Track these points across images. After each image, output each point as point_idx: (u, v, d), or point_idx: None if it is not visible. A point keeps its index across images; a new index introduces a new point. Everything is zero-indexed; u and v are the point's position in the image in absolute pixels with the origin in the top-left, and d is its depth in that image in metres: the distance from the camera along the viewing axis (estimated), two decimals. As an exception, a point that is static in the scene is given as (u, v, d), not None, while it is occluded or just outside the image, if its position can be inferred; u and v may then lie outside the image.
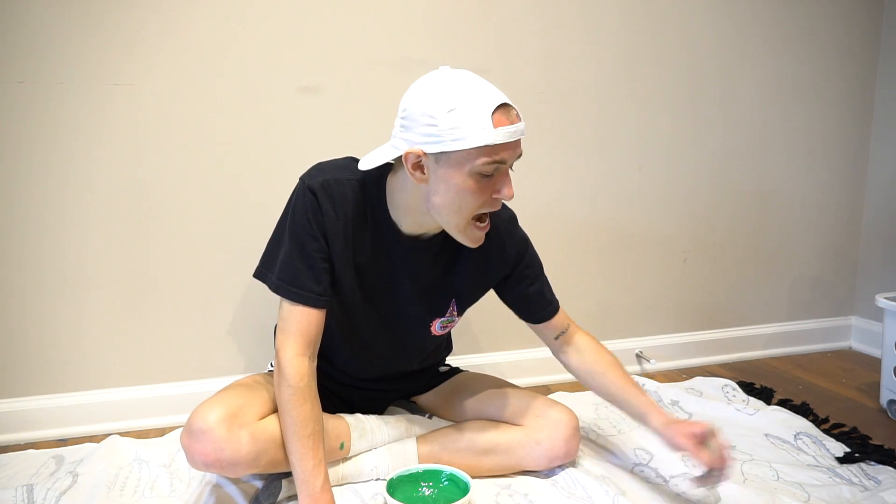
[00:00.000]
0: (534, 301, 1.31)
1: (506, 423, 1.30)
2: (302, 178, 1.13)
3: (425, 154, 1.02)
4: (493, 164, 1.01)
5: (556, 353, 1.36)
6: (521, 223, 1.31)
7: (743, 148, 1.99)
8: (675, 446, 1.15)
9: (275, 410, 1.17)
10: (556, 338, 1.34)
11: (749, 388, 1.76)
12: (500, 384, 1.38)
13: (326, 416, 1.26)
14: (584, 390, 1.78)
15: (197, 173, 1.55)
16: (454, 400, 1.38)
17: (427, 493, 1.19)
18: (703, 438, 1.12)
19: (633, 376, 1.81)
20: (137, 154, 1.51)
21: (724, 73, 1.93)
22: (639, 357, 1.96)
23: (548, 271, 1.86)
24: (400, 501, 1.12)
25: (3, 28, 1.40)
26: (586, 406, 1.65)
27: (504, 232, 1.24)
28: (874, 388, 1.78)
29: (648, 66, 1.85)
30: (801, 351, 2.14)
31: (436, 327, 1.27)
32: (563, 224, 1.84)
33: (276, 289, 1.12)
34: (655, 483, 1.30)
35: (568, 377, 1.88)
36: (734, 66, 1.94)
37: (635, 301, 1.95)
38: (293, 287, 1.10)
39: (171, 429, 1.54)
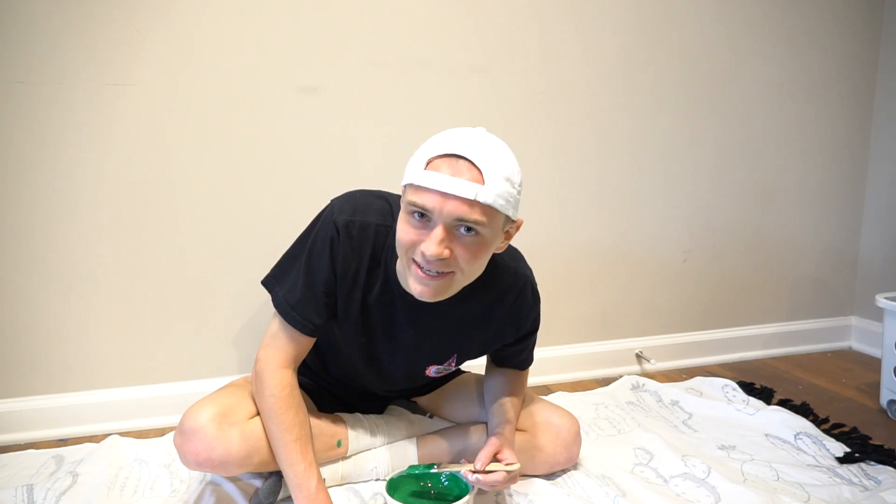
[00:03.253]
0: (512, 358, 1.30)
1: None
2: (333, 205, 1.11)
3: (403, 188, 1.02)
4: (413, 207, 0.96)
5: (488, 365, 1.36)
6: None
7: (743, 148, 1.99)
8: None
9: None
10: (496, 363, 1.33)
11: (749, 388, 1.75)
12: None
13: (324, 414, 1.26)
14: (583, 390, 1.78)
15: (196, 173, 1.54)
16: (456, 401, 1.38)
17: (427, 494, 1.19)
18: (497, 457, 1.12)
19: (631, 376, 1.82)
20: (137, 154, 1.51)
21: (724, 74, 1.93)
22: (639, 357, 1.96)
23: (547, 272, 1.86)
24: (400, 501, 1.11)
25: (3, 28, 1.39)
26: (586, 406, 1.65)
27: (528, 305, 1.20)
28: (874, 388, 1.78)
29: (647, 66, 1.85)
30: (801, 351, 2.14)
31: (431, 371, 1.25)
32: (562, 224, 1.84)
33: (277, 306, 1.13)
34: (655, 483, 1.30)
35: (568, 377, 1.89)
36: (734, 67, 1.94)
37: (635, 301, 1.95)
38: (293, 311, 1.11)
39: (171, 429, 1.54)
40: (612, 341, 1.94)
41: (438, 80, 1.67)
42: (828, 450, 1.42)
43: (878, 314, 2.02)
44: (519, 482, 1.28)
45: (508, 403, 1.24)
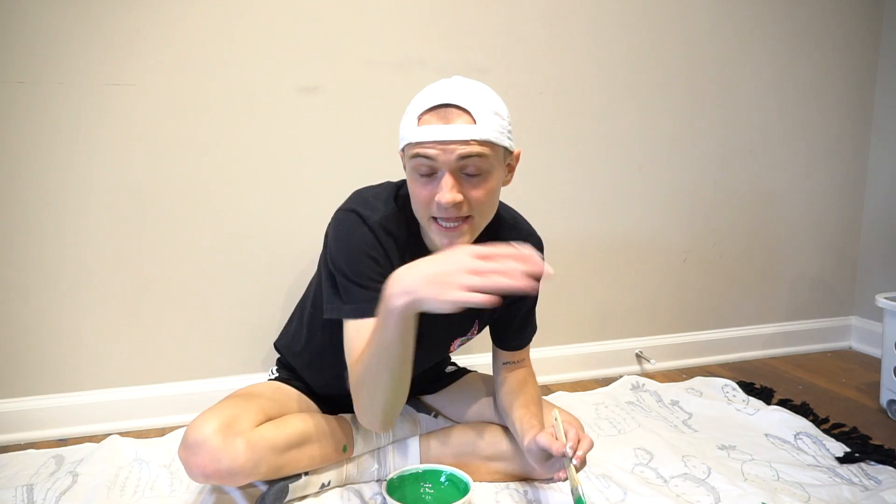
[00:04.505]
0: (516, 328, 1.29)
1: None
2: (355, 211, 1.10)
3: (402, 153, 1.07)
4: (419, 161, 1.00)
5: (495, 371, 1.34)
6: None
7: (743, 148, 1.99)
8: (540, 447, 1.09)
9: (271, 418, 1.17)
10: (506, 363, 1.31)
11: (749, 388, 1.75)
12: None
13: (329, 417, 1.25)
14: (583, 390, 1.78)
15: (196, 173, 1.54)
16: (460, 401, 1.38)
17: (427, 493, 1.19)
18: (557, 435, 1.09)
19: (631, 376, 1.83)
20: (137, 154, 1.51)
21: (725, 74, 1.93)
22: (639, 357, 1.96)
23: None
24: (400, 501, 1.11)
25: (3, 28, 1.39)
26: (586, 406, 1.65)
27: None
28: (874, 388, 1.78)
29: (649, 66, 1.85)
30: (801, 351, 2.14)
31: (455, 346, 1.29)
32: (562, 223, 1.84)
33: (354, 313, 1.08)
34: (656, 483, 1.30)
35: (568, 377, 1.89)
36: (734, 67, 1.94)
37: (635, 301, 1.95)
38: (369, 304, 1.05)
39: (171, 429, 1.54)
40: (611, 341, 1.94)
41: (438, 80, 1.67)
42: (828, 450, 1.42)
43: (878, 314, 2.02)
44: (519, 483, 1.28)
45: (530, 413, 1.20)
